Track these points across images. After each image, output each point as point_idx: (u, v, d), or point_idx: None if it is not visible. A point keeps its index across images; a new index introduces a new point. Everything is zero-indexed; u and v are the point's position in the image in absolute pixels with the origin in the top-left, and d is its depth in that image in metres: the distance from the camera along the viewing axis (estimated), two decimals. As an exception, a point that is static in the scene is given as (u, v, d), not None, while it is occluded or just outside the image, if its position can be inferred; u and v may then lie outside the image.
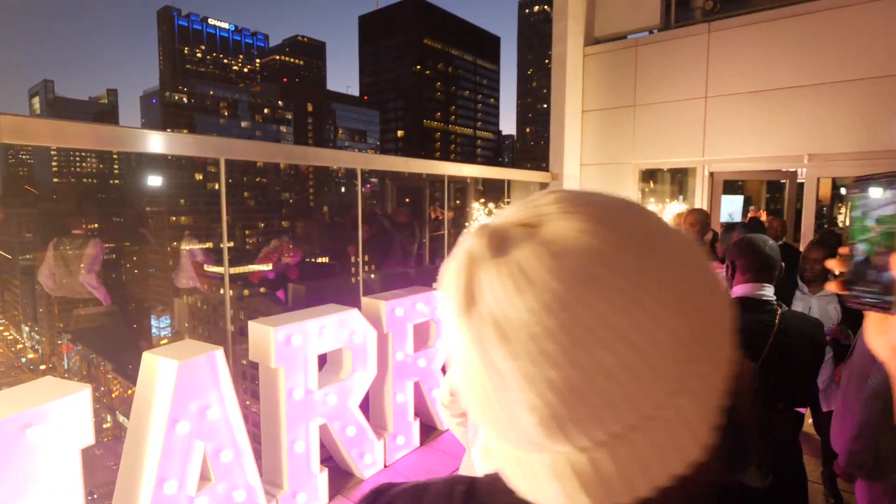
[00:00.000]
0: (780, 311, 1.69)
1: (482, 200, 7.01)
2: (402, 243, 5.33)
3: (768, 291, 1.74)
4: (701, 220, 3.95)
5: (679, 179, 6.58)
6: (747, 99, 5.50)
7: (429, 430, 4.02)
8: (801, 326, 1.67)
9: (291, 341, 2.87)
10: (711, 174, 5.88)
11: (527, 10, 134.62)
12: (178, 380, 2.22)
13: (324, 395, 3.09)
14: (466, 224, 6.97)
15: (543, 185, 6.61)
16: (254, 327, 2.85)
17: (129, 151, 2.69)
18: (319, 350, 3.05)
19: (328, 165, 3.68)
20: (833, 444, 1.89)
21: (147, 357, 2.29)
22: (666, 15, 6.20)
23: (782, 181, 5.56)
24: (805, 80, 5.16)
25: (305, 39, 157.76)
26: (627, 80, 6.34)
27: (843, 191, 7.14)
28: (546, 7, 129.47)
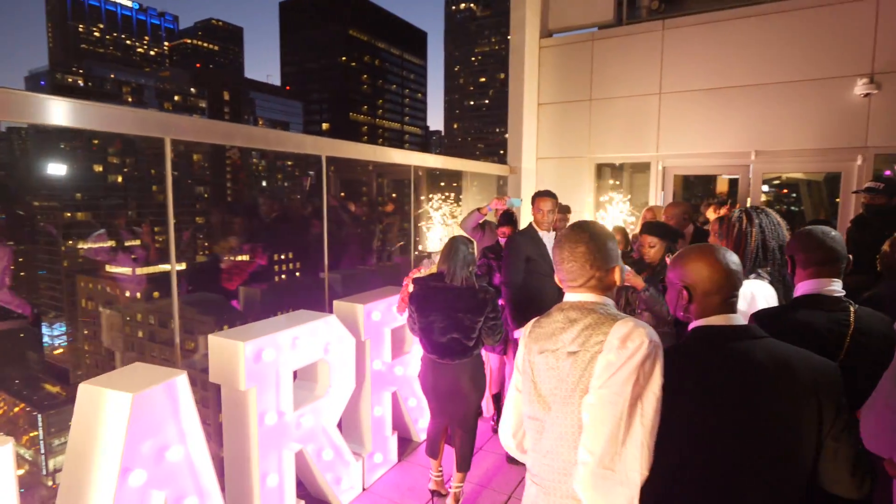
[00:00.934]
0: (853, 309, 1.57)
1: (440, 195, 6.71)
2: (363, 239, 4.91)
3: (837, 286, 1.62)
4: (678, 213, 3.93)
5: (630, 174, 6.67)
6: (700, 96, 5.64)
7: (405, 442, 3.69)
8: (877, 324, 1.56)
9: (263, 357, 2.43)
10: (664, 169, 5.99)
11: (453, 7, 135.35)
12: (133, 418, 1.74)
13: (298, 417, 2.67)
14: (424, 219, 6.65)
15: (502, 178, 6.44)
16: (217, 343, 2.38)
17: (36, 125, 2.11)
18: (294, 365, 2.62)
19: (291, 151, 3.22)
20: (871, 445, 1.81)
21: (87, 390, 1.77)
22: (618, 11, 6.24)
23: (735, 176, 5.79)
24: (753, 79, 5.37)
25: (220, 23, 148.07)
26: (583, 75, 6.32)
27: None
28: (472, 5, 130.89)
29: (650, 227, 3.16)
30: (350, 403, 3.12)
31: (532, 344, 1.35)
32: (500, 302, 3.31)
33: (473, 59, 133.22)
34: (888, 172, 4.96)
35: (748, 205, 5.74)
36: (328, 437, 2.87)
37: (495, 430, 3.57)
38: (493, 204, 3.59)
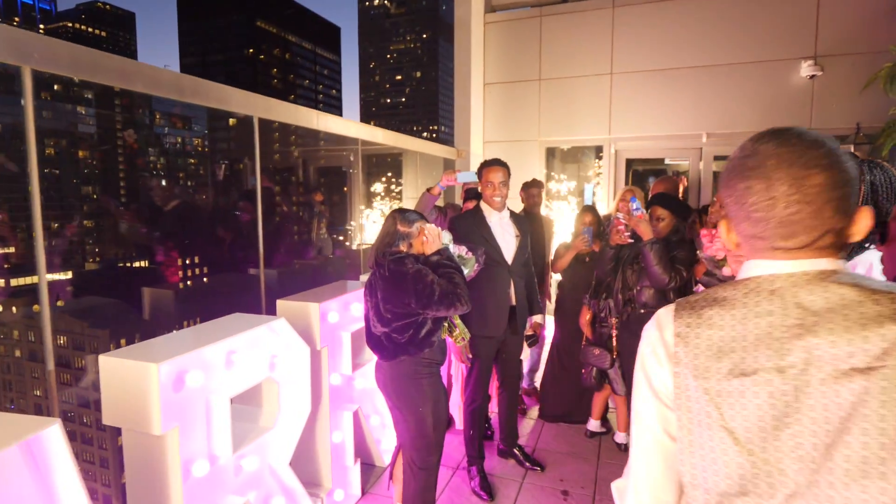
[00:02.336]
0: None
1: (383, 179, 6.04)
2: (300, 229, 4.15)
3: None
4: (669, 189, 3.64)
5: (578, 157, 6.45)
6: (651, 77, 5.49)
7: (368, 468, 3.05)
8: None
9: (187, 382, 1.70)
10: (617, 153, 5.80)
11: (366, 3, 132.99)
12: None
13: (238, 459, 1.95)
14: (365, 206, 5.95)
15: (448, 161, 5.92)
16: (113, 366, 1.61)
17: None
18: (232, 390, 1.90)
19: (211, 106, 2.45)
20: None
21: None
22: (564, -14, 5.96)
23: (685, 160, 5.73)
24: (703, 60, 5.29)
25: (108, 7, 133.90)
26: (531, 53, 5.96)
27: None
28: (386, 2, 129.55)
29: (662, 199, 2.79)
30: (304, 430, 2.43)
31: (705, 361, 0.73)
32: None
33: (389, 56, 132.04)
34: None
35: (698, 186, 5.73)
36: (278, 479, 2.16)
37: (473, 458, 2.97)
38: (444, 181, 3.01)
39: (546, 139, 6.02)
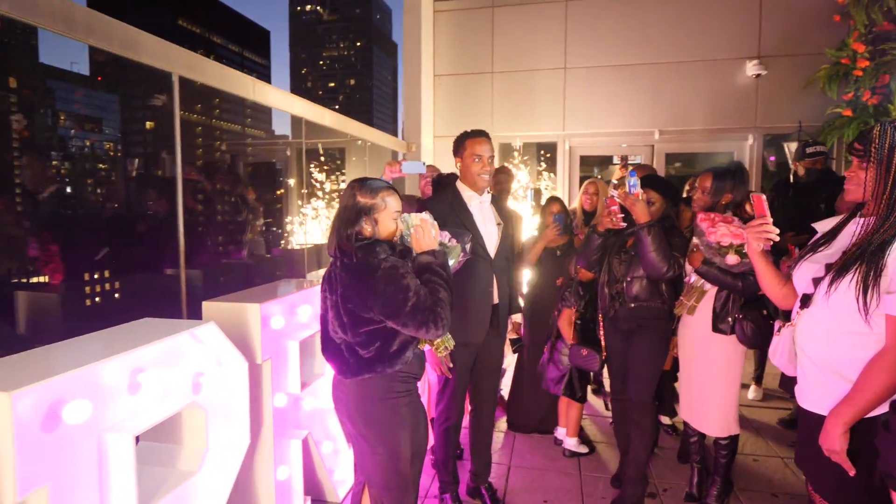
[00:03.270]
0: None
1: (319, 169, 5.49)
2: (230, 225, 3.54)
3: None
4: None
5: (532, 153, 6.24)
6: (605, 73, 5.39)
7: (318, 507, 2.53)
8: None
9: (64, 417, 1.15)
10: (571, 149, 5.64)
11: (298, 7, 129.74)
12: None
13: (148, 518, 1.41)
14: (304, 203, 5.35)
15: (395, 154, 5.49)
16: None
17: None
18: (140, 425, 1.36)
19: (114, 52, 1.88)
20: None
21: None
22: (516, -21, 5.77)
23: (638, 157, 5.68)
24: (655, 57, 5.26)
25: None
26: (484, 45, 5.70)
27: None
28: (319, 8, 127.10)
29: (653, 181, 2.52)
30: (241, 468, 1.89)
31: None
32: None
33: (322, 63, 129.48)
34: (773, 157, 5.19)
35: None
36: (206, 538, 1.62)
37: (447, 484, 2.55)
38: (387, 173, 2.56)
39: (499, 134, 5.76)
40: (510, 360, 3.76)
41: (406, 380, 1.72)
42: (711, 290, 2.44)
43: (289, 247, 4.31)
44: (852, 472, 1.42)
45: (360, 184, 1.70)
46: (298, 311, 2.25)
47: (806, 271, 1.55)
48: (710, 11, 5.10)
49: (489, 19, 5.65)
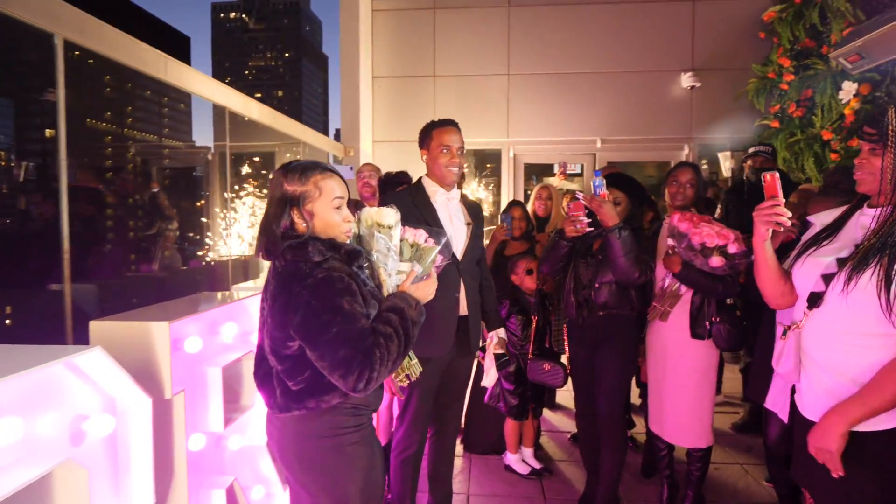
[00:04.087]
0: None
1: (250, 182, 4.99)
2: (132, 232, 3.00)
3: None
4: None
5: (476, 161, 6.08)
6: (548, 80, 5.36)
7: (247, 568, 2.08)
8: None
9: None
10: (515, 157, 5.53)
11: (222, 15, 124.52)
12: None
13: None
14: (225, 212, 4.81)
15: (335, 159, 5.11)
16: None
17: None
18: (-28, 501, 0.93)
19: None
20: None
21: None
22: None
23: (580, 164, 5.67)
24: (597, 66, 5.30)
25: None
26: (425, 47, 5.49)
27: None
28: (244, 16, 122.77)
29: (617, 179, 2.37)
30: (141, 538, 1.44)
31: None
32: None
33: (247, 72, 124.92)
34: (705, 165, 5.36)
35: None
36: None
37: None
38: None
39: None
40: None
41: (356, 412, 1.38)
42: (686, 294, 2.32)
43: (211, 259, 3.79)
44: (838, 474, 1.28)
45: (288, 167, 1.36)
46: (222, 331, 1.85)
47: (813, 267, 1.39)
48: (647, 23, 5.21)
49: (431, 21, 5.46)
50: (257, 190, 4.67)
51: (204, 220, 4.56)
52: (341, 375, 1.20)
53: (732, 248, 2.11)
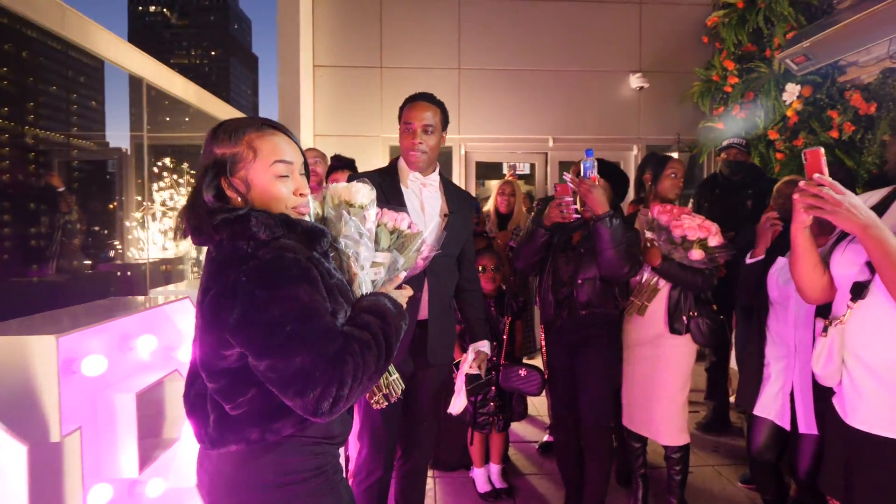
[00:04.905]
0: None
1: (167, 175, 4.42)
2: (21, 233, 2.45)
3: None
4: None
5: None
6: (499, 76, 5.20)
7: None
8: None
9: None
10: (466, 155, 5.32)
11: (140, 7, 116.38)
12: None
13: None
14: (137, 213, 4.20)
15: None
16: None
17: None
18: None
19: None
20: None
21: None
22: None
23: (532, 163, 5.54)
24: (549, 64, 5.21)
25: None
26: (372, 37, 5.17)
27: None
28: (165, 10, 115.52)
29: (600, 166, 2.18)
30: None
31: None
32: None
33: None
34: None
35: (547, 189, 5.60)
36: None
37: None
38: None
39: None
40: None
41: (316, 449, 1.03)
42: (665, 289, 2.19)
43: (125, 260, 3.24)
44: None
45: (219, 126, 1.04)
46: (137, 346, 1.44)
47: (855, 254, 1.23)
48: (597, 24, 5.20)
49: (377, 9, 5.14)
50: (179, 187, 4.13)
51: (121, 218, 3.95)
52: (297, 392, 0.87)
53: (713, 242, 2.02)
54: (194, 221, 0.97)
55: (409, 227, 1.23)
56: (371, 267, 1.14)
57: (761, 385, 1.97)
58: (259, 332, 0.88)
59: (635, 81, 5.14)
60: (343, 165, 2.74)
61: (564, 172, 2.11)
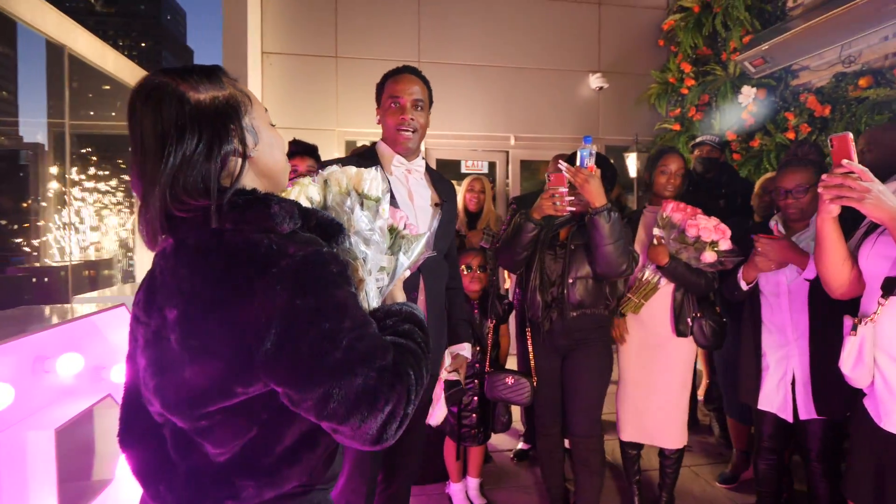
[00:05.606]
0: None
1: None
2: None
3: None
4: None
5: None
6: (461, 71, 5.05)
7: None
8: None
9: None
10: (427, 150, 5.12)
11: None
12: None
13: None
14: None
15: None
16: None
17: None
18: None
19: None
20: None
21: None
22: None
23: (493, 161, 5.41)
24: (511, 61, 5.12)
25: None
26: (326, 24, 4.87)
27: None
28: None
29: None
30: None
31: None
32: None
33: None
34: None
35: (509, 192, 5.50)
36: None
37: None
38: None
39: (346, 130, 4.95)
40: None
41: (315, 499, 0.80)
42: (667, 289, 2.09)
43: (42, 263, 2.79)
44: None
45: (166, 71, 0.76)
46: (55, 367, 1.14)
47: (888, 247, 1.16)
48: (558, 22, 5.16)
49: (331, -5, 4.86)
50: (105, 179, 3.66)
51: (36, 217, 3.40)
52: (364, 418, 0.67)
53: (724, 245, 1.94)
54: (178, 203, 0.70)
55: (406, 227, 1.02)
56: (378, 271, 0.93)
57: (761, 377, 1.92)
58: (309, 355, 0.66)
59: (595, 82, 5.14)
60: (302, 151, 2.44)
61: (559, 161, 1.96)
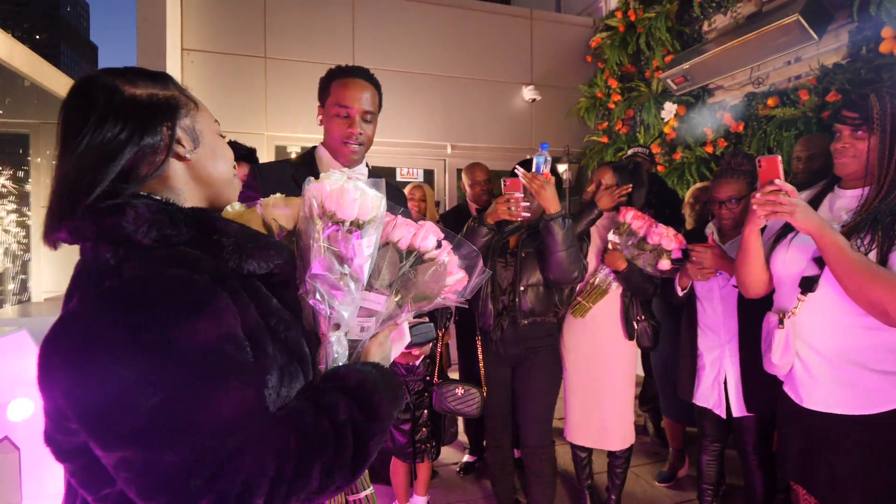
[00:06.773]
0: None
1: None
2: None
3: None
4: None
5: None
6: (397, 77, 4.98)
7: None
8: None
9: None
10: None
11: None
12: None
13: None
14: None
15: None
16: None
17: None
18: None
19: None
20: None
21: None
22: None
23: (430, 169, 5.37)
24: (447, 70, 5.14)
25: None
26: (254, 21, 4.63)
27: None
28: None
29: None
30: None
31: None
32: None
33: None
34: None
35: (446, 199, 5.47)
36: None
37: None
38: None
39: (276, 134, 4.71)
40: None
41: None
42: (615, 293, 2.15)
43: None
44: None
45: (133, 71, 0.69)
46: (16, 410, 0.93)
47: (801, 251, 1.31)
48: (490, 34, 5.25)
49: (260, -7, 4.62)
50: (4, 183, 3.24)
51: None
52: None
53: (676, 255, 2.03)
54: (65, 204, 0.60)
55: (437, 246, 0.83)
56: (357, 316, 0.77)
57: (697, 376, 2.03)
58: (109, 405, 0.52)
59: (528, 94, 5.28)
60: (238, 156, 2.26)
61: (516, 166, 1.95)
